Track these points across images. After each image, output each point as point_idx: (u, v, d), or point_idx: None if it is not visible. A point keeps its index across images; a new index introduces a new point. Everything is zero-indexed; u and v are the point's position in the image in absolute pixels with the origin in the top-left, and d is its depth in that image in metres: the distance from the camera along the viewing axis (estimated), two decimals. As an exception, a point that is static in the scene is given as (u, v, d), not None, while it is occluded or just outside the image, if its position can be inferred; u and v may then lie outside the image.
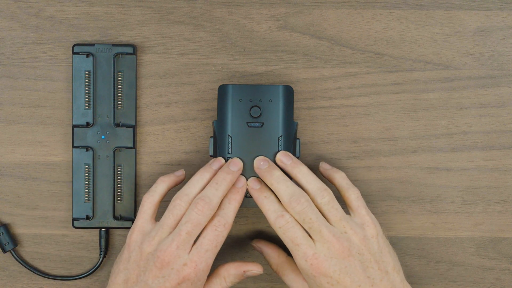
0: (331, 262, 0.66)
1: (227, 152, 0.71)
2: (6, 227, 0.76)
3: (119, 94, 0.74)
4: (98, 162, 0.74)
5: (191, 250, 0.66)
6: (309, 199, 0.67)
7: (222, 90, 0.72)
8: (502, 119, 0.76)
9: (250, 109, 0.71)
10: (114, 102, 0.74)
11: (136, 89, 0.75)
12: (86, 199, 0.75)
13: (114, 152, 0.74)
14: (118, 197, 0.75)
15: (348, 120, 0.76)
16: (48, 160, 0.76)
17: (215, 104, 0.76)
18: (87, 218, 0.75)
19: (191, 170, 0.76)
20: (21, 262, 0.76)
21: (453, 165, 0.76)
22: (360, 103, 0.76)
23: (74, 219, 0.75)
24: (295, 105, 0.75)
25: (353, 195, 0.70)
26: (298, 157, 0.73)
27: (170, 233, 0.67)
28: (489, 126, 0.76)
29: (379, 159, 0.76)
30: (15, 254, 0.76)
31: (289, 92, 0.72)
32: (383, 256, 0.68)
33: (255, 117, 0.71)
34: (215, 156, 0.72)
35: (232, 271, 0.70)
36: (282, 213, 0.67)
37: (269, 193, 0.69)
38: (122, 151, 0.75)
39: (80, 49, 0.74)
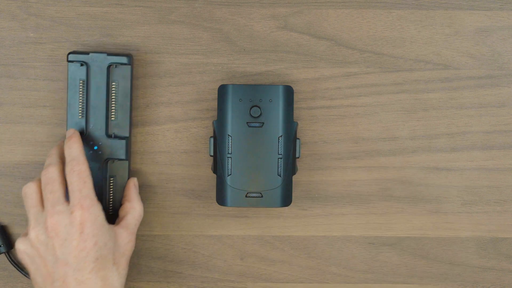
0: None
1: (227, 152, 0.71)
2: (2, 229, 0.75)
3: (113, 105, 0.73)
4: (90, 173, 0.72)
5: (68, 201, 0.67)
6: None
7: (222, 90, 0.72)
8: (502, 119, 0.76)
9: (250, 109, 0.71)
10: (107, 113, 0.72)
11: (131, 100, 0.73)
12: None
13: (106, 163, 0.73)
14: (110, 209, 0.74)
15: (348, 120, 0.76)
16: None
17: (215, 104, 0.76)
18: None
19: (191, 170, 0.76)
20: (15, 265, 0.76)
21: (453, 165, 0.76)
22: (360, 103, 0.76)
23: None
24: (295, 105, 0.75)
25: None
26: (298, 157, 0.73)
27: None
28: (489, 126, 0.76)
29: (379, 159, 0.76)
30: (9, 256, 0.76)
31: (289, 92, 0.72)
32: None
33: (255, 117, 0.71)
34: (215, 156, 0.72)
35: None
36: None
37: None
38: (115, 162, 0.74)
39: (75, 57, 0.72)
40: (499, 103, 0.76)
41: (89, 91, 0.72)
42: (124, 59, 0.72)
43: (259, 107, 0.71)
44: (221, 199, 0.73)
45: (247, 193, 0.71)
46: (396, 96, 0.76)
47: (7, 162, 0.76)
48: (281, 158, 0.71)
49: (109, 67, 0.72)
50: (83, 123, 0.72)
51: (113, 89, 0.73)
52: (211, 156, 0.72)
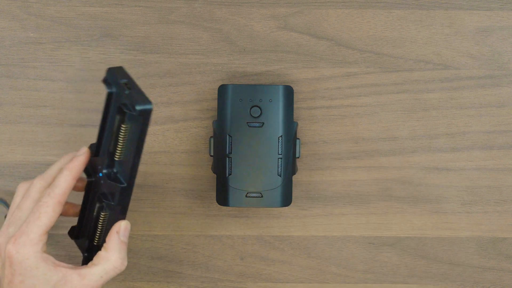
0: None
1: (227, 152, 0.71)
2: None
3: (119, 146, 0.63)
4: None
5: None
6: None
7: (222, 90, 0.72)
8: (502, 119, 0.76)
9: (250, 109, 0.71)
10: (114, 150, 0.63)
11: (138, 149, 0.61)
12: None
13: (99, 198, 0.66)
14: (95, 241, 0.68)
15: (348, 120, 0.76)
16: (48, 160, 0.76)
17: (215, 104, 0.76)
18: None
19: (191, 170, 0.76)
20: None
21: (453, 165, 0.76)
22: (360, 103, 0.76)
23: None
24: (295, 105, 0.75)
25: None
26: (298, 157, 0.73)
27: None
28: (489, 126, 0.76)
29: (379, 159, 0.76)
30: None
31: (289, 92, 0.72)
32: None
33: (255, 117, 0.71)
34: (215, 156, 0.72)
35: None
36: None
37: None
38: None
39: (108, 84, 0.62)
40: (499, 103, 0.76)
41: (106, 119, 0.64)
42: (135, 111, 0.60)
43: (259, 107, 0.71)
44: (221, 199, 0.73)
45: (247, 193, 0.71)
46: (396, 96, 0.76)
47: (7, 162, 0.76)
48: (281, 158, 0.71)
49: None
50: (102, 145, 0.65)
51: (122, 131, 0.62)
52: (211, 156, 0.72)
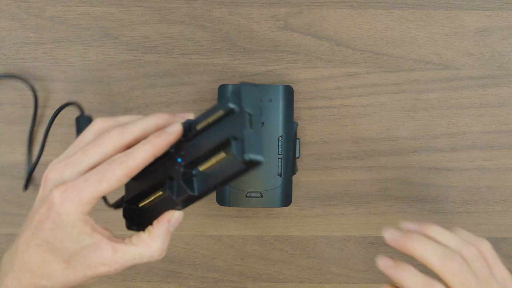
0: None
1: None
2: None
3: (207, 165, 0.56)
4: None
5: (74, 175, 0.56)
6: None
7: (222, 90, 0.72)
8: (502, 119, 0.76)
9: (250, 109, 0.71)
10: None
11: (222, 185, 0.55)
12: None
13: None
14: (141, 204, 0.63)
15: (348, 120, 0.76)
16: (48, 160, 0.75)
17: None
18: None
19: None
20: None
21: (453, 165, 0.76)
22: (360, 103, 0.76)
23: None
24: (295, 105, 0.75)
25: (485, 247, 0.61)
26: (298, 157, 0.73)
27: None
28: (489, 126, 0.76)
29: (379, 159, 0.76)
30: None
31: (289, 92, 0.72)
32: None
33: (255, 117, 0.71)
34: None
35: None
36: (430, 282, 0.57)
37: (406, 265, 0.59)
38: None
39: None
40: (499, 103, 0.76)
41: None
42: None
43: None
44: (221, 199, 0.72)
45: (247, 193, 0.71)
46: (396, 96, 0.76)
47: (7, 162, 0.76)
48: (281, 158, 0.71)
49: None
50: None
51: (219, 156, 0.54)
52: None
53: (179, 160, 0.56)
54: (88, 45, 0.75)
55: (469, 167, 0.76)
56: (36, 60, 0.75)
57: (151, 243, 0.57)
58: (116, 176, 0.55)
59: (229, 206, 0.72)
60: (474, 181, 0.77)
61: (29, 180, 0.75)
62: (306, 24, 0.76)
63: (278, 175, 0.72)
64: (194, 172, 0.55)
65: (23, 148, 0.76)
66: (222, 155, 0.53)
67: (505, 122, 0.76)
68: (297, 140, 0.72)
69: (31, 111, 0.76)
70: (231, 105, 0.53)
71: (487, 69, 0.76)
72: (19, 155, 0.76)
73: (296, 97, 0.75)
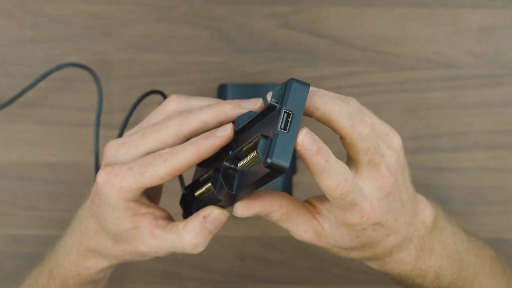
0: (381, 207, 0.52)
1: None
2: None
3: (245, 164, 0.53)
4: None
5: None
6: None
7: (222, 89, 0.72)
8: (505, 118, 0.76)
9: (250, 109, 0.71)
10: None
11: (254, 188, 0.52)
12: None
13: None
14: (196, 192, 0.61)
15: (349, 120, 0.76)
16: (46, 160, 0.76)
17: (214, 103, 0.75)
18: None
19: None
20: None
21: (456, 165, 0.76)
22: (361, 102, 0.76)
23: None
24: (295, 105, 0.75)
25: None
26: (298, 157, 0.72)
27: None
28: (492, 125, 0.76)
29: (381, 159, 0.76)
30: None
31: (289, 91, 0.72)
32: (406, 169, 0.55)
33: (255, 116, 0.70)
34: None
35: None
36: (345, 176, 0.51)
37: (329, 155, 0.52)
38: None
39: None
40: (502, 103, 0.76)
41: None
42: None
43: (258, 107, 0.71)
44: (220, 200, 0.72)
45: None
46: (398, 95, 0.76)
47: (4, 162, 0.76)
48: (281, 158, 0.71)
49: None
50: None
51: (253, 156, 0.51)
52: (210, 156, 0.72)
53: (230, 152, 0.53)
54: (86, 43, 0.75)
55: (472, 167, 0.76)
56: (33, 59, 0.75)
57: (184, 234, 0.55)
58: (158, 173, 0.53)
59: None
60: (476, 181, 0.76)
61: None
62: (306, 22, 0.76)
63: (278, 175, 0.71)
64: (237, 168, 0.52)
65: (21, 148, 0.76)
66: (254, 154, 0.50)
67: (509, 121, 0.76)
68: (298, 140, 0.72)
69: (29, 110, 0.76)
70: (272, 101, 0.50)
71: (490, 68, 0.76)
72: (16, 155, 0.76)
73: (296, 96, 0.75)
